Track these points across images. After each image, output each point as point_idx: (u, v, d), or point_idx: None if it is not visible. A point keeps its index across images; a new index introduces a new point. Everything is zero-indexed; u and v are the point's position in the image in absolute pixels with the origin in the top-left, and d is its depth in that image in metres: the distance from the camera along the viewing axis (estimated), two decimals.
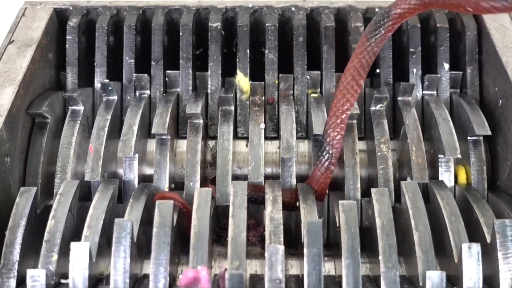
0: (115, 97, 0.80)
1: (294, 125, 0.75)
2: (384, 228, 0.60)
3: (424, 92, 0.82)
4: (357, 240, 0.58)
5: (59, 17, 0.88)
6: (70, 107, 0.78)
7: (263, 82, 0.82)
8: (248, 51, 0.84)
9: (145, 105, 0.79)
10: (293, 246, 0.70)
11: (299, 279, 0.63)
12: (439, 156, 0.72)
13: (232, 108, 0.78)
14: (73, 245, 0.57)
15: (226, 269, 0.57)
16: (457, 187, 0.72)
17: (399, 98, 0.79)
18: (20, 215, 0.61)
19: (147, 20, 0.87)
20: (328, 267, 0.67)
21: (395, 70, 0.83)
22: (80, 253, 0.57)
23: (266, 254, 0.56)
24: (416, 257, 0.59)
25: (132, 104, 0.78)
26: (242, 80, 0.82)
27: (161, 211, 0.60)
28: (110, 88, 0.79)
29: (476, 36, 0.83)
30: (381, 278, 0.57)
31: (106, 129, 0.74)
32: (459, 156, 0.71)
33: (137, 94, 0.82)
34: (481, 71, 0.83)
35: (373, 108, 0.77)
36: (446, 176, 0.72)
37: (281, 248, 0.56)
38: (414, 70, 0.83)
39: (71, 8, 0.88)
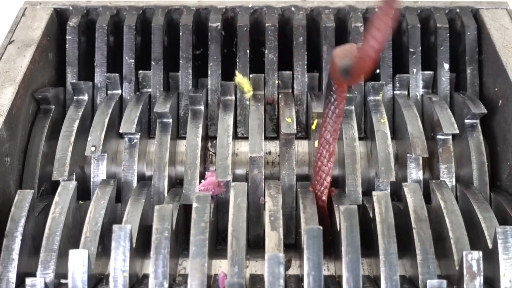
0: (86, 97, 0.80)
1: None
2: (385, 230, 0.60)
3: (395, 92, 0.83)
4: (357, 243, 0.58)
5: (59, 17, 0.88)
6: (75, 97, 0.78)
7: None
8: (248, 51, 0.84)
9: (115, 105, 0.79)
10: (293, 246, 0.70)
11: (299, 279, 0.63)
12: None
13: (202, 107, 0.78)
14: (72, 252, 0.57)
15: (225, 274, 0.58)
16: (458, 186, 0.72)
17: (370, 98, 0.80)
18: (18, 219, 0.61)
19: (147, 20, 0.87)
20: (328, 267, 0.67)
21: (395, 70, 0.83)
22: (79, 260, 0.57)
23: (266, 265, 0.56)
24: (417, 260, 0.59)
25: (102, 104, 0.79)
26: (242, 80, 0.82)
27: (160, 214, 0.60)
28: (81, 87, 0.80)
29: (476, 36, 0.83)
30: (381, 278, 0.57)
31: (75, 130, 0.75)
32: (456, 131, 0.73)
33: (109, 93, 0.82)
34: (481, 71, 0.83)
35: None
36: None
37: (281, 256, 0.56)
38: (414, 70, 0.83)
39: (71, 8, 0.88)
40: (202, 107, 0.78)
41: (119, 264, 0.57)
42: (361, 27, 0.83)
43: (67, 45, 0.84)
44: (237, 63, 0.84)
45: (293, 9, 0.87)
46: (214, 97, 0.83)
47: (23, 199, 0.63)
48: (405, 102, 0.79)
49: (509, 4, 0.88)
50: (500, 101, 0.77)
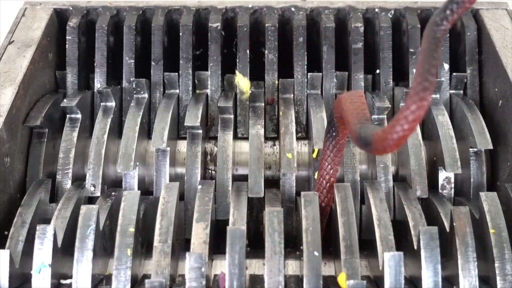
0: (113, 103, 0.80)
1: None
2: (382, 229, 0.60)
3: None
4: (355, 244, 0.58)
5: (59, 17, 0.88)
6: (68, 116, 0.77)
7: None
8: (248, 51, 0.84)
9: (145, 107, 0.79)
10: (293, 246, 0.70)
11: (299, 279, 0.63)
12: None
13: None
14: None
15: (224, 274, 0.58)
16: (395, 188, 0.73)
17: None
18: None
19: (147, 21, 0.87)
20: (328, 267, 0.67)
21: (395, 70, 0.83)
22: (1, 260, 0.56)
23: (265, 267, 0.56)
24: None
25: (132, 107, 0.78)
26: (242, 81, 0.82)
27: (163, 215, 0.60)
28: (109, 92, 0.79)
29: (476, 37, 0.83)
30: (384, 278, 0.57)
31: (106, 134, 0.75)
32: None
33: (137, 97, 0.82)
34: (481, 71, 0.83)
35: (374, 116, 0.77)
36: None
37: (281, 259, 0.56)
38: (414, 70, 0.83)
39: (71, 8, 0.88)
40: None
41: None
42: (361, 27, 0.83)
43: (67, 45, 0.84)
44: (237, 63, 0.84)
45: (293, 9, 0.88)
46: (214, 97, 0.83)
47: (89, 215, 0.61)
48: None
49: (509, 4, 0.88)
50: (500, 101, 0.77)
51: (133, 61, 0.84)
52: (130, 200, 0.61)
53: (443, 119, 0.75)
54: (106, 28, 0.84)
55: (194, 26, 0.86)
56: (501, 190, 0.74)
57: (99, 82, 0.83)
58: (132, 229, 0.58)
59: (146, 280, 0.55)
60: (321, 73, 0.83)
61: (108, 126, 0.76)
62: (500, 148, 0.76)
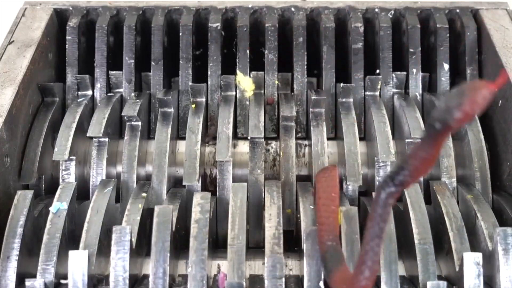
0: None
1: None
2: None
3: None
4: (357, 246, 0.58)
5: (59, 17, 0.88)
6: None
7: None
8: (248, 51, 0.84)
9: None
10: (293, 246, 0.70)
11: (299, 279, 0.63)
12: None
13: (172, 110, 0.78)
14: (72, 253, 0.57)
15: (225, 274, 0.58)
16: (459, 187, 0.72)
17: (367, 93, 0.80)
18: (17, 220, 0.61)
19: (147, 21, 0.87)
20: None
21: (395, 70, 0.83)
22: (79, 261, 0.56)
23: (265, 265, 0.56)
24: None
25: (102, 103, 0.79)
26: (242, 80, 0.82)
27: (160, 215, 0.60)
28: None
29: (476, 36, 0.83)
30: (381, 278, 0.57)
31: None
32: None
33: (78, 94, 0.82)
34: (481, 71, 0.83)
35: (311, 109, 0.77)
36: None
37: (281, 258, 0.56)
38: (414, 70, 0.83)
39: (71, 8, 0.88)
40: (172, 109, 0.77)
41: (119, 266, 0.57)
42: (361, 27, 0.83)
43: (67, 45, 0.84)
44: (237, 64, 0.84)
45: (293, 9, 0.87)
46: (214, 97, 0.83)
47: (23, 199, 0.62)
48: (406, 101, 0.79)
49: (509, 4, 0.88)
50: (500, 101, 0.77)
51: (133, 61, 0.84)
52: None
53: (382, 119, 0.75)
54: (106, 28, 0.84)
55: (194, 26, 0.86)
56: (501, 190, 0.74)
57: (99, 82, 0.83)
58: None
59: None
60: (380, 76, 0.83)
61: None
62: (500, 148, 0.76)
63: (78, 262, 0.56)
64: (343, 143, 0.73)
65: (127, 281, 0.57)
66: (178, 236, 0.66)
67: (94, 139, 0.74)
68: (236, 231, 0.59)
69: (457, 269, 0.59)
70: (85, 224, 0.62)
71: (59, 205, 0.63)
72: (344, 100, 0.78)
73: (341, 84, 0.78)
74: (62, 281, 0.60)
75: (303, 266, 0.57)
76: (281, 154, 0.74)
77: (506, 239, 0.57)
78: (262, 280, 0.59)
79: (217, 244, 0.71)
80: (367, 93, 0.81)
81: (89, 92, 0.82)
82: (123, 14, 0.88)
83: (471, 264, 0.56)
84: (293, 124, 0.76)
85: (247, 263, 0.64)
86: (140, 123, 0.75)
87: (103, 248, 0.62)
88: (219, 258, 0.67)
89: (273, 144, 0.80)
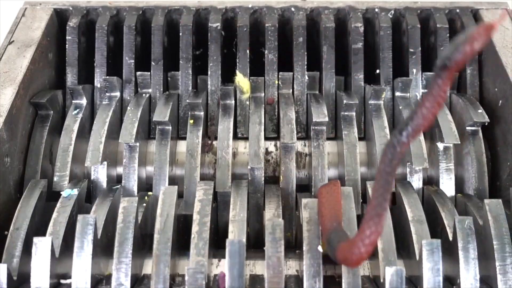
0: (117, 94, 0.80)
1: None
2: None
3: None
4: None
5: (59, 17, 0.88)
6: (73, 101, 0.78)
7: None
8: (248, 51, 0.84)
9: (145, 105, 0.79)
10: (293, 246, 0.70)
11: (299, 279, 0.63)
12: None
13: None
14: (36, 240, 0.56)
15: (224, 274, 0.58)
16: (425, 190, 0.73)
17: (397, 94, 0.80)
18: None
19: (147, 21, 0.87)
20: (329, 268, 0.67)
21: (395, 70, 0.83)
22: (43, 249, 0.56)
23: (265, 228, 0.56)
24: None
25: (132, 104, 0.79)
26: (242, 81, 0.82)
27: (162, 215, 0.60)
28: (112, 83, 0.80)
29: None
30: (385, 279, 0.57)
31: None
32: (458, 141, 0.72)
33: (108, 95, 0.82)
34: (481, 71, 0.83)
35: (343, 113, 0.77)
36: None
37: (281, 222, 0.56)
38: (414, 70, 0.83)
39: (71, 8, 0.88)
40: (202, 113, 0.77)
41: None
42: (361, 27, 0.83)
43: (67, 45, 0.84)
44: (237, 63, 0.84)
45: (293, 9, 0.88)
46: (214, 97, 0.83)
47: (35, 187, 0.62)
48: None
49: (509, 4, 0.88)
50: (500, 101, 0.77)
51: (133, 61, 0.84)
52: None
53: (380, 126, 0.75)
54: (106, 28, 0.84)
55: (194, 26, 0.86)
56: (501, 190, 0.74)
57: (99, 82, 0.83)
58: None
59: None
60: (292, 73, 0.83)
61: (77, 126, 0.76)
62: (500, 148, 0.76)
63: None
64: (371, 143, 0.74)
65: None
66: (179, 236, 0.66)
67: (125, 144, 0.74)
68: (236, 231, 0.60)
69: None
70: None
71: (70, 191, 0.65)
72: (374, 102, 0.78)
73: (371, 86, 0.78)
74: (62, 281, 0.60)
75: (303, 266, 0.57)
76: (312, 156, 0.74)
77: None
78: (262, 280, 0.59)
79: (218, 244, 0.72)
80: (397, 94, 0.81)
81: (117, 94, 0.82)
82: (123, 14, 0.88)
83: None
84: (324, 128, 0.75)
85: (247, 262, 0.64)
86: (170, 128, 0.75)
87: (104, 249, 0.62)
88: (219, 258, 0.67)
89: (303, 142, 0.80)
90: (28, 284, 0.57)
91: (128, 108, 0.77)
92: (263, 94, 0.82)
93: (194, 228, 0.59)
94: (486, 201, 0.61)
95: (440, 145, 0.73)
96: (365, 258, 0.48)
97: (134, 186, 0.73)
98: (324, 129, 0.74)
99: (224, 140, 0.74)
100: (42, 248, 0.56)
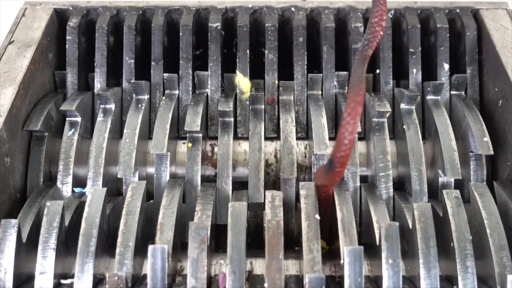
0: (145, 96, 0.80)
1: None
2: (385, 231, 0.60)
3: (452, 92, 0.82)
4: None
5: (59, 17, 0.88)
6: (101, 106, 0.78)
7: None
8: (248, 51, 0.84)
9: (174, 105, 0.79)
10: (293, 246, 0.70)
11: (299, 279, 0.63)
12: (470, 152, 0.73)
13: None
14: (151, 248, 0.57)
15: (225, 274, 0.58)
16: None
17: (428, 97, 0.79)
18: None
19: (147, 21, 0.87)
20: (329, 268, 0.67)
21: (395, 70, 0.83)
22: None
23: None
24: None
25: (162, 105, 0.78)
26: (242, 81, 0.82)
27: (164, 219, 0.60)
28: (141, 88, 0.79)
29: (476, 36, 0.83)
30: (383, 279, 0.57)
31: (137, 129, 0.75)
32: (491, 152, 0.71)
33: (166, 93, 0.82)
34: (481, 71, 0.83)
35: (375, 119, 0.76)
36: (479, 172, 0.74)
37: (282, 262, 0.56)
38: (414, 70, 0.83)
39: (71, 8, 0.88)
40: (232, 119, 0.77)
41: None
42: (361, 27, 0.83)
43: (67, 45, 0.84)
44: (237, 63, 0.84)
45: (293, 9, 0.88)
46: (214, 97, 0.83)
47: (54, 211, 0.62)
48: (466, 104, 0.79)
49: (509, 4, 0.88)
50: (500, 101, 0.77)
51: (133, 61, 0.84)
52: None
53: (443, 122, 0.75)
54: (106, 28, 0.84)
55: (194, 26, 0.86)
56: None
57: (99, 82, 0.83)
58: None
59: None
60: (321, 74, 0.83)
61: (108, 127, 0.76)
62: (500, 148, 0.76)
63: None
64: (402, 144, 0.75)
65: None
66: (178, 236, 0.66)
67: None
68: (235, 231, 0.60)
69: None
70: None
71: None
72: (407, 107, 0.77)
73: (403, 90, 0.78)
74: (62, 281, 0.60)
75: (303, 266, 0.57)
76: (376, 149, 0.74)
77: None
78: (262, 280, 0.59)
79: (218, 245, 0.72)
80: (428, 97, 0.80)
81: (176, 92, 0.82)
82: (123, 14, 0.88)
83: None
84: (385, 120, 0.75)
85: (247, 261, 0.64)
86: (232, 119, 0.76)
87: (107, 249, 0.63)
88: (220, 258, 0.67)
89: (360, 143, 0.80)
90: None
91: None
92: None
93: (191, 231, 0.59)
94: (415, 205, 0.61)
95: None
96: (349, 152, 0.54)
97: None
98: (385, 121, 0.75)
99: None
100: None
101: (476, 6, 0.87)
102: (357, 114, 0.53)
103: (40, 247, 0.59)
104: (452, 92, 0.81)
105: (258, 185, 0.71)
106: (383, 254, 0.57)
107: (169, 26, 0.87)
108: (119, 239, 0.59)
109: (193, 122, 0.74)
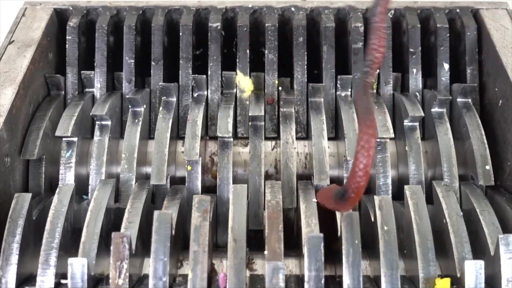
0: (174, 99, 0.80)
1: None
2: (386, 231, 0.60)
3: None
4: (358, 247, 0.59)
5: (59, 17, 0.88)
6: (131, 109, 0.78)
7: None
8: (248, 51, 0.84)
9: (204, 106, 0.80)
10: (293, 246, 0.70)
11: (299, 279, 0.63)
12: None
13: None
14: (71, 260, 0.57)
15: (225, 274, 0.58)
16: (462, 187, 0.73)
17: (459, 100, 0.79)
18: (15, 223, 0.61)
19: (147, 21, 0.87)
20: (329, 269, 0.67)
21: (395, 70, 0.83)
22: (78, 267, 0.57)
23: (266, 273, 0.56)
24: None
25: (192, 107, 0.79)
26: (242, 80, 0.82)
27: (160, 218, 0.60)
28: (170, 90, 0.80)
29: (476, 36, 0.83)
30: (382, 279, 0.57)
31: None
32: None
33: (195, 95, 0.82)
34: (481, 71, 0.83)
35: (407, 123, 0.77)
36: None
37: (282, 265, 0.56)
38: (414, 70, 0.83)
39: (71, 8, 0.88)
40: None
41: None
42: (361, 27, 0.83)
43: (67, 45, 0.84)
44: (237, 63, 0.84)
45: (293, 9, 0.88)
46: (214, 97, 0.83)
47: (21, 202, 0.63)
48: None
49: (509, 4, 0.88)
50: (500, 101, 0.77)
51: (133, 61, 0.84)
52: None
53: (475, 125, 0.75)
54: (106, 28, 0.84)
55: (194, 26, 0.86)
56: (501, 190, 0.74)
57: (99, 82, 0.83)
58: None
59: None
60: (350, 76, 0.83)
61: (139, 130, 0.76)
62: (500, 148, 0.76)
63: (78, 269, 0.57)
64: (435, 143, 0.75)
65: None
66: (178, 236, 0.66)
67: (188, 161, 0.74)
68: (236, 230, 0.60)
69: (458, 274, 0.60)
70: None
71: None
72: (438, 110, 0.78)
73: (435, 93, 0.78)
74: (62, 281, 0.61)
75: (303, 266, 0.57)
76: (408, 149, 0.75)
77: (508, 246, 0.57)
78: (262, 280, 0.59)
79: (217, 244, 0.72)
80: (458, 99, 0.79)
81: (205, 93, 0.83)
82: (123, 14, 0.88)
83: (473, 271, 0.56)
84: (417, 124, 0.76)
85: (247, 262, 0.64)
86: (263, 123, 0.77)
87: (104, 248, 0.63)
88: (219, 258, 0.67)
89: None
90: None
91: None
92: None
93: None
94: (378, 197, 0.64)
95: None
96: (364, 184, 0.54)
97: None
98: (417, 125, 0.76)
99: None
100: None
101: (476, 6, 0.87)
102: (371, 147, 0.53)
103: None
104: (459, 100, 0.79)
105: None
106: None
107: (169, 26, 0.87)
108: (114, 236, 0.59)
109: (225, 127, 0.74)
